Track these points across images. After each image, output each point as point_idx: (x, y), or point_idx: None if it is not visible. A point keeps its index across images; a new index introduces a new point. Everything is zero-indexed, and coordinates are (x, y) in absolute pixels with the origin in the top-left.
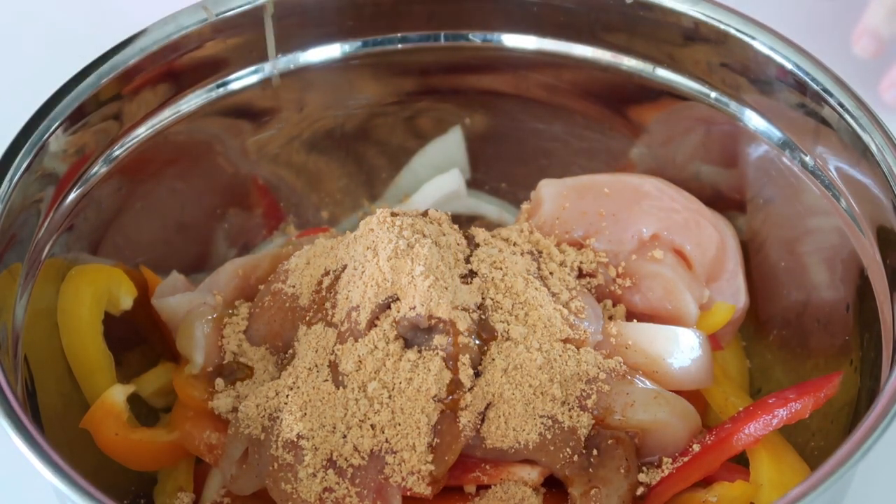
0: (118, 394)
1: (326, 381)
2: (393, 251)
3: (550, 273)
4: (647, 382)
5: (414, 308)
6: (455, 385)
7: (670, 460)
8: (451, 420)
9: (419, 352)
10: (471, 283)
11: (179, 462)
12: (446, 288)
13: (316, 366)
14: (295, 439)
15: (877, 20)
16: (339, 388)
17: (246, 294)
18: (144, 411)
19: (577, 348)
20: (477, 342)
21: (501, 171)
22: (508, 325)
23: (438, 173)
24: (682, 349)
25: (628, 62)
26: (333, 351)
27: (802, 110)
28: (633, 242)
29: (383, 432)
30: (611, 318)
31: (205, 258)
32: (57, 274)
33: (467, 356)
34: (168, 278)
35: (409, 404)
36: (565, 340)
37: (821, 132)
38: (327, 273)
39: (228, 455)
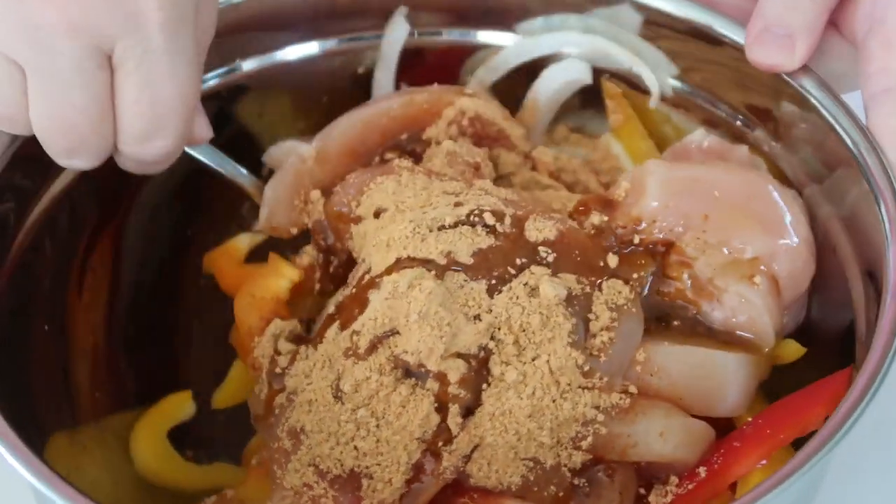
0: (243, 240)
1: (331, 386)
2: (392, 291)
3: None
4: (656, 416)
5: (407, 352)
6: (441, 431)
7: (676, 478)
8: (433, 461)
9: (413, 387)
10: (480, 320)
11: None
12: (441, 337)
13: (330, 361)
14: (299, 430)
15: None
16: (336, 402)
17: (357, 157)
18: None
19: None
20: (468, 394)
21: None
22: (507, 365)
23: None
24: (719, 381)
25: None
26: (342, 361)
27: None
28: (729, 258)
29: (365, 457)
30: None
31: None
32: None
33: (456, 406)
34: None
35: (395, 438)
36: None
37: None
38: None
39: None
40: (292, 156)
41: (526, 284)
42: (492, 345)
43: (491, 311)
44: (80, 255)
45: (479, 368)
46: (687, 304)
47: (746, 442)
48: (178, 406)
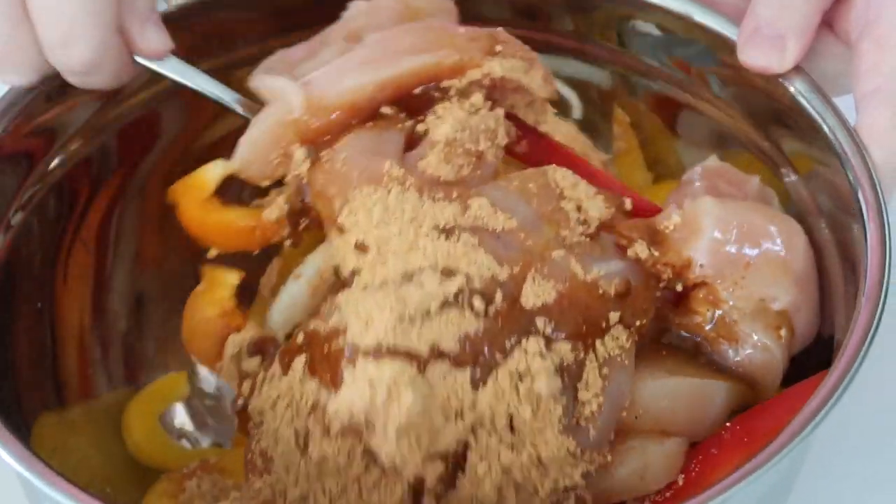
0: (212, 170)
1: (294, 436)
2: (369, 396)
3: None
4: (635, 457)
5: (381, 450)
6: None
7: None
8: None
9: (384, 470)
10: (462, 419)
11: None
12: (419, 447)
13: (296, 407)
14: (269, 457)
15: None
16: (302, 456)
17: (357, 112)
18: None
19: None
20: (444, 486)
21: None
22: (483, 461)
23: None
24: (705, 410)
25: None
26: (309, 411)
27: None
28: (760, 306)
29: None
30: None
31: None
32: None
33: (432, 496)
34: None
35: None
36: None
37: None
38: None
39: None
40: (278, 103)
41: (514, 371)
42: (472, 439)
43: (475, 406)
44: (70, 232)
45: (457, 461)
46: (701, 340)
47: (724, 449)
48: (173, 387)
